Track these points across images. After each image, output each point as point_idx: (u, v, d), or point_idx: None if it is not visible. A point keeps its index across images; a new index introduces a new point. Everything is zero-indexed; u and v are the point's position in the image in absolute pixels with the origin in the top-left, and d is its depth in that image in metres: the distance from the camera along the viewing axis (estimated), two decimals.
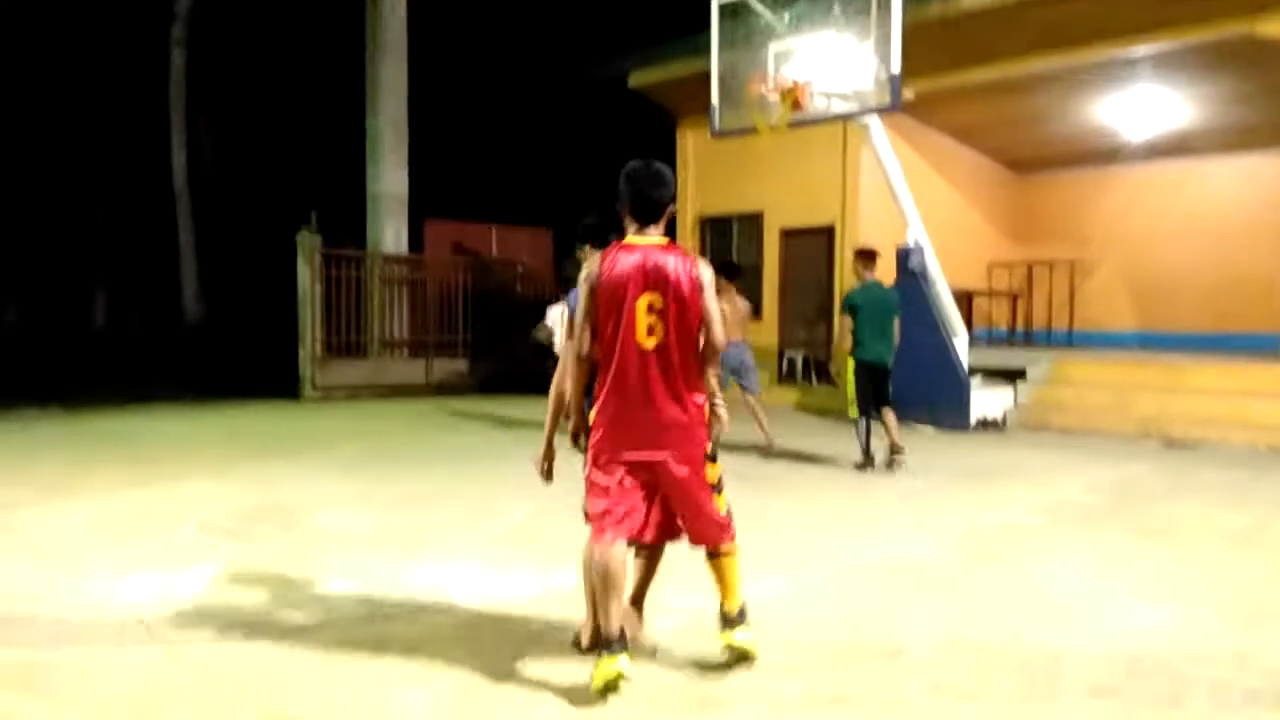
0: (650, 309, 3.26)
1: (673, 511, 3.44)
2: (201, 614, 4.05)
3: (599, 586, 3.26)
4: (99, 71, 19.96)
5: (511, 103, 22.02)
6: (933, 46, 11.16)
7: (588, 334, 3.32)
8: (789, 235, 14.53)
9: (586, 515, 3.44)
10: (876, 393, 8.12)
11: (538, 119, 22.07)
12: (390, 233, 15.95)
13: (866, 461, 8.06)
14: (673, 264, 3.29)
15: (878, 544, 5.38)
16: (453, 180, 20.14)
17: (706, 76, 10.41)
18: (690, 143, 15.73)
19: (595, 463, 3.38)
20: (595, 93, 18.93)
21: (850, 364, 8.16)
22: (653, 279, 3.26)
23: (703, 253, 15.70)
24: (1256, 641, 3.78)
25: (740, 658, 3.38)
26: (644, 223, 3.40)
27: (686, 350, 3.31)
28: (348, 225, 15.94)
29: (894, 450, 8.06)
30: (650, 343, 3.26)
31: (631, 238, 3.39)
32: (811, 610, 4.16)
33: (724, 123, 10.22)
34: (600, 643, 3.21)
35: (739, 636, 3.38)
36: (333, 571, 4.69)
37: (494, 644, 3.68)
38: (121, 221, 20.91)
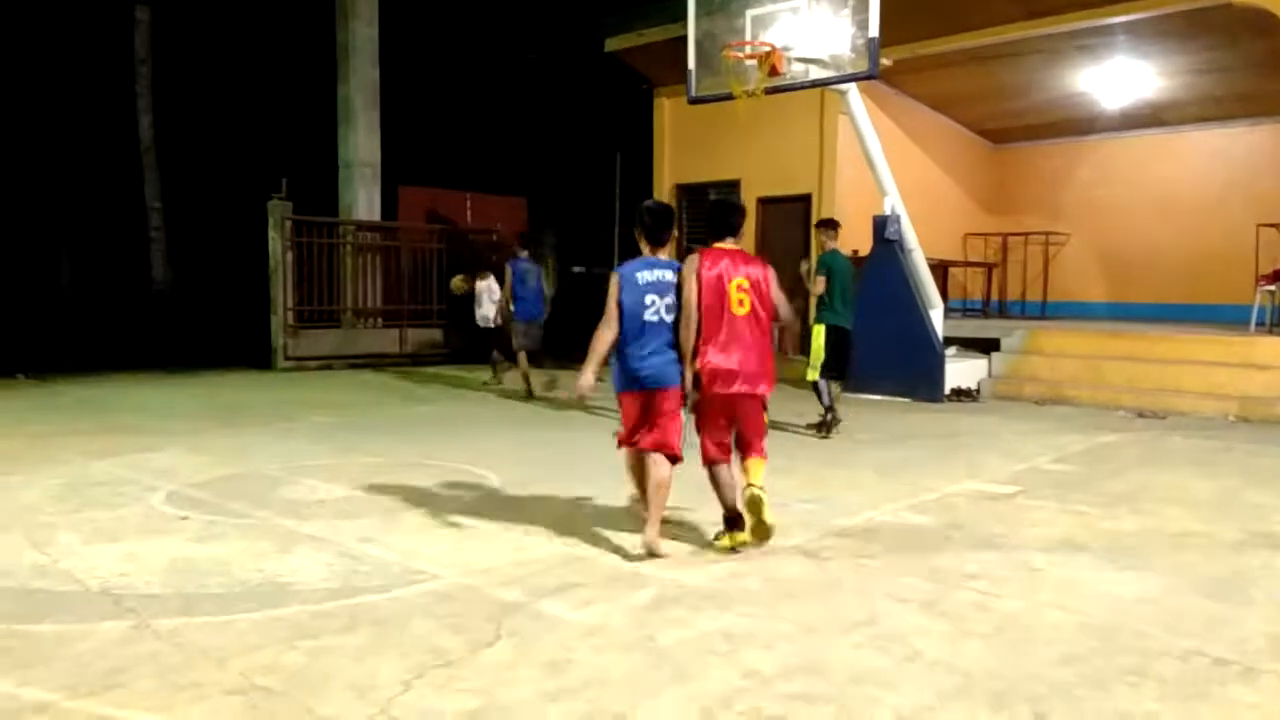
0: (739, 288, 4.70)
1: (739, 431, 4.82)
2: (171, 585, 4.00)
3: (715, 487, 4.72)
4: (61, 28, 19.45)
5: (486, 68, 21.71)
6: (911, 14, 11.09)
7: (694, 308, 4.61)
8: (766, 204, 14.49)
9: (666, 449, 4.66)
10: (840, 359, 8.31)
11: (513, 85, 21.78)
12: (363, 200, 15.77)
13: (830, 419, 8.19)
14: (749, 261, 4.85)
15: (850, 513, 5.40)
16: (426, 147, 19.87)
17: (683, 41, 10.29)
18: (667, 109, 15.61)
19: (705, 398, 4.69)
20: (571, 58, 18.72)
21: (820, 329, 8.27)
22: (740, 270, 4.75)
23: (680, 221, 15.64)
24: (1226, 611, 3.83)
25: (754, 500, 4.60)
26: (725, 236, 4.90)
27: (764, 320, 4.81)
28: (320, 192, 15.72)
29: (828, 421, 8.20)
30: (741, 310, 4.70)
31: (719, 245, 4.85)
32: (782, 580, 4.17)
33: (700, 88, 10.12)
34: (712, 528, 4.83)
35: (756, 491, 4.63)
36: (304, 542, 4.65)
37: (467, 615, 3.66)
38: (87, 184, 20.47)
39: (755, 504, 4.57)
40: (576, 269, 17.50)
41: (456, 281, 12.59)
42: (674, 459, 4.66)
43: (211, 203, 19.80)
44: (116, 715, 2.84)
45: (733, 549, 4.63)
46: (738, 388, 4.67)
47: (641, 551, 4.47)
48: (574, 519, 5.19)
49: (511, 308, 10.47)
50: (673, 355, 4.66)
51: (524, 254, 10.75)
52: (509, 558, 4.45)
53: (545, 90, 21.43)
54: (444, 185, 17.35)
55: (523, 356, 10.52)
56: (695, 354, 4.64)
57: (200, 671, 3.13)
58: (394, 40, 16.55)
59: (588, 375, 4.75)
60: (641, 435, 4.66)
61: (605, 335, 4.65)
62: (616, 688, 3.04)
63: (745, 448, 4.80)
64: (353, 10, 15.49)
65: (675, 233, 5.04)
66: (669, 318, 4.65)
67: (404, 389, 11.25)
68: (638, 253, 4.82)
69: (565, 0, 19.67)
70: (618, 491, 5.88)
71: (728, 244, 4.86)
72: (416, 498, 5.66)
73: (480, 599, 3.85)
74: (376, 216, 16.00)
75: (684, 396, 4.70)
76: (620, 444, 4.83)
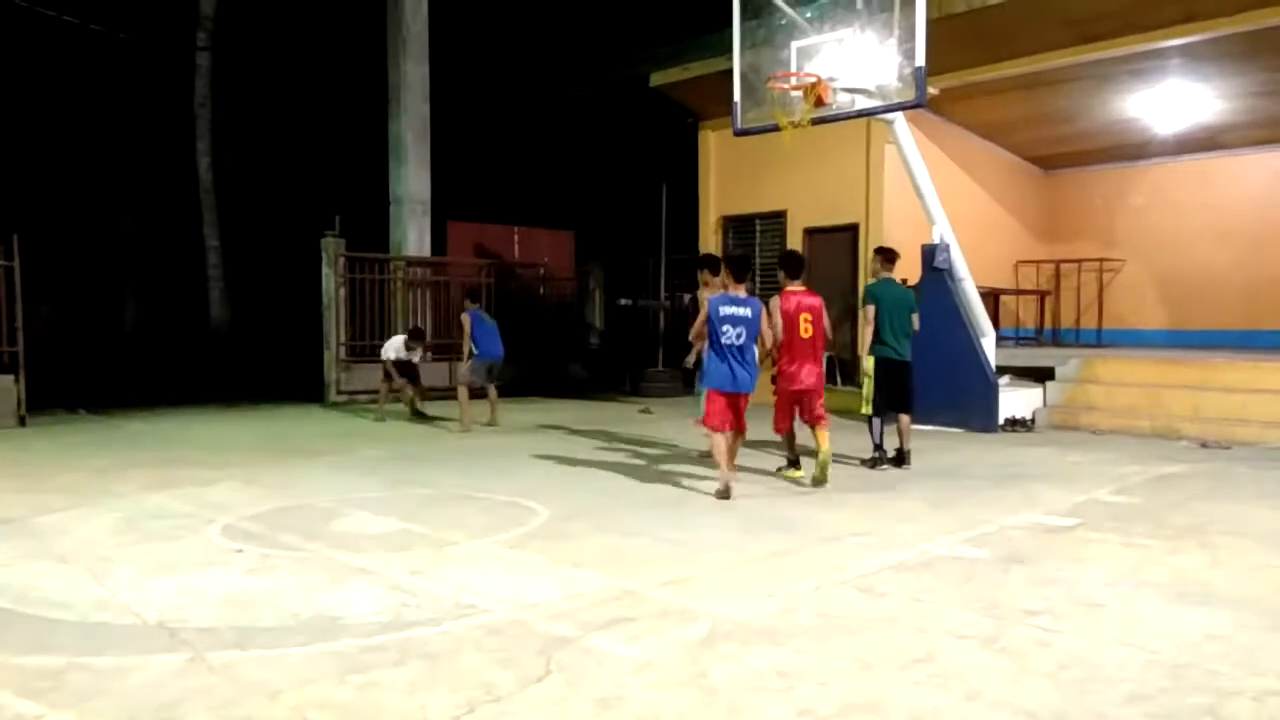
0: (805, 320, 7.22)
1: (801, 411, 7.41)
2: (225, 618, 4.04)
3: (786, 443, 7.59)
4: (125, 76, 20.14)
5: (533, 104, 22.02)
6: (958, 41, 11.06)
7: (770, 332, 7.07)
8: (812, 234, 14.44)
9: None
10: (897, 392, 8.09)
11: (559, 120, 22.06)
12: (413, 235, 15.99)
13: (879, 457, 8.06)
14: (812, 299, 7.36)
15: (906, 546, 5.29)
16: (475, 182, 20.16)
17: (728, 75, 10.33)
18: (712, 142, 15.67)
19: (780, 392, 7.39)
20: (616, 93, 18.91)
21: (870, 361, 8.09)
22: (805, 306, 7.28)
23: (725, 253, 15.64)
24: None
25: (824, 460, 7.14)
26: (795, 278, 7.46)
27: (819, 340, 7.34)
28: (371, 228, 16.00)
29: (901, 458, 8.06)
30: (806, 335, 7.23)
31: (790, 286, 7.39)
32: (837, 615, 4.09)
33: (746, 121, 10.14)
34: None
35: (824, 453, 7.16)
36: (355, 575, 4.68)
37: (517, 649, 3.64)
38: (149, 226, 21.09)
39: (823, 463, 7.14)
40: (623, 301, 17.55)
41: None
42: (741, 431, 7.11)
43: (267, 241, 20.27)
44: None
45: (791, 479, 7.42)
46: (800, 386, 7.26)
47: (721, 488, 6.66)
48: (622, 552, 5.16)
49: (475, 350, 10.94)
50: (748, 371, 6.85)
51: (475, 306, 11.49)
52: (558, 591, 4.42)
53: (592, 125, 21.66)
54: (492, 220, 17.55)
55: (464, 392, 10.95)
56: (774, 362, 7.35)
57: (253, 705, 3.14)
58: (443, 77, 16.86)
59: (691, 359, 8.16)
60: (729, 419, 6.87)
61: (697, 342, 7.21)
62: None
63: (812, 424, 7.33)
64: (404, 50, 15.81)
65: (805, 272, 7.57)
66: (741, 342, 6.77)
67: (453, 422, 11.30)
68: (687, 283, 7.23)
69: (611, 36, 19.92)
70: (666, 525, 5.85)
71: (797, 285, 7.39)
72: (466, 530, 5.67)
73: (530, 633, 3.83)
74: (427, 252, 16.21)
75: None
76: (706, 425, 6.90)
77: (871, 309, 8.05)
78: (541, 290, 17.28)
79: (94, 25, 18.32)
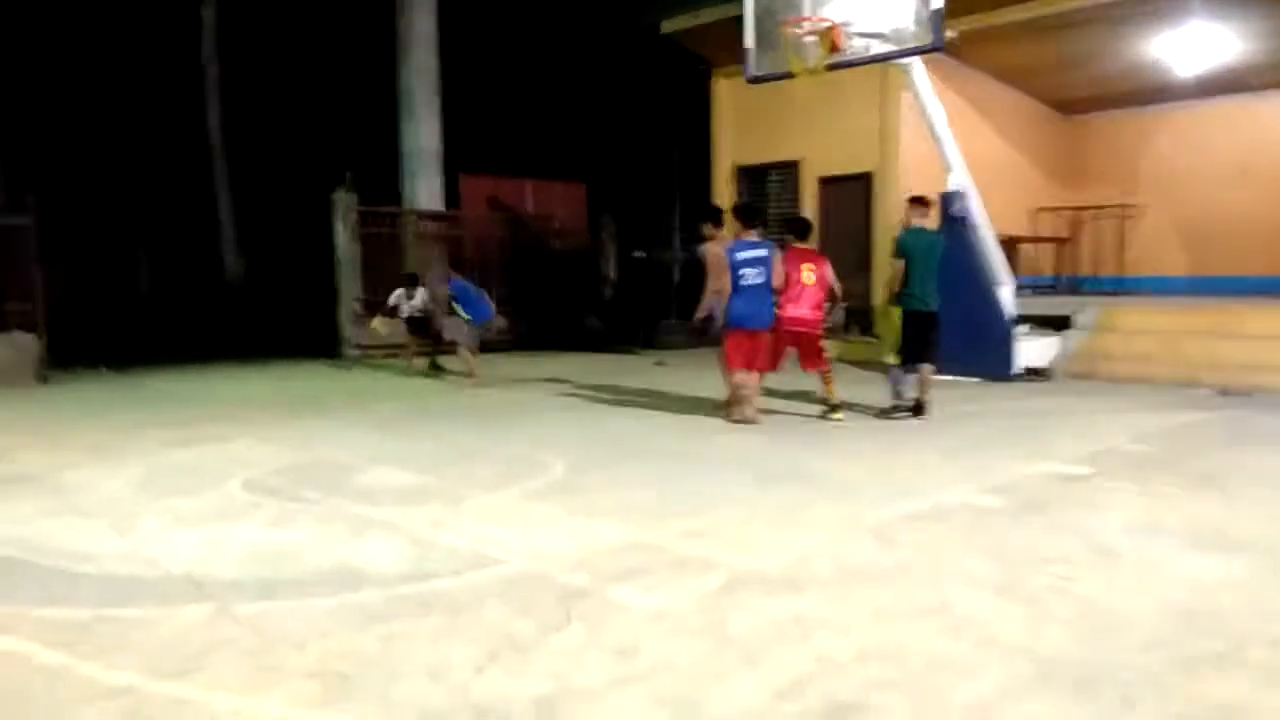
0: (807, 269, 7.76)
1: (800, 355, 8.00)
2: (248, 571, 4.10)
3: (749, 383, 7.71)
4: (131, 35, 19.99)
5: (543, 54, 21.75)
6: None
7: (782, 277, 7.57)
8: (827, 183, 14.31)
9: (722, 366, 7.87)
10: (922, 343, 7.97)
11: (570, 70, 21.80)
12: (425, 189, 15.93)
13: (897, 406, 8.00)
14: (817, 256, 7.99)
15: (921, 495, 5.30)
16: (486, 134, 20.01)
17: (740, 21, 10.16)
18: (724, 90, 15.48)
19: (777, 331, 7.69)
20: (627, 42, 18.65)
21: (897, 312, 7.97)
22: (808, 258, 7.88)
23: (738, 202, 15.50)
24: None
25: (832, 409, 7.89)
26: (802, 239, 8.09)
27: (821, 289, 7.85)
28: (383, 182, 15.93)
29: (919, 408, 7.99)
30: (809, 282, 7.75)
31: (796, 244, 8.00)
32: (853, 564, 4.11)
33: (759, 67, 9.99)
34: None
35: (835, 414, 7.85)
36: (376, 528, 4.72)
37: (536, 599, 3.68)
38: (161, 183, 21.07)
39: (825, 400, 7.94)
40: (637, 254, 17.49)
41: (378, 325, 12.47)
42: (762, 371, 7.74)
43: (279, 197, 20.23)
44: (198, 698, 2.91)
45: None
46: (796, 324, 7.74)
47: (738, 419, 7.54)
48: (638, 504, 5.19)
49: (467, 317, 11.02)
50: (767, 308, 7.53)
51: (455, 275, 11.77)
52: (576, 543, 4.46)
53: (603, 75, 21.40)
54: (504, 173, 17.45)
55: (466, 352, 11.13)
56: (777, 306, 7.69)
57: (279, 655, 3.19)
58: (452, 29, 16.66)
59: (703, 309, 7.87)
60: (748, 358, 7.50)
61: (722, 289, 7.51)
62: (687, 672, 3.02)
63: (809, 365, 7.95)
64: (414, 2, 15.61)
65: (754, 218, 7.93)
66: (761, 281, 7.42)
67: (459, 376, 11.33)
68: (702, 232, 8.14)
69: None
70: (682, 477, 5.87)
71: (802, 245, 8.01)
72: (483, 483, 5.71)
73: (549, 584, 3.87)
74: (439, 206, 16.15)
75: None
76: (731, 366, 7.59)
77: (902, 262, 7.88)
78: (555, 243, 17.22)
79: None
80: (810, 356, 7.93)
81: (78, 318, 15.61)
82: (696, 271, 8.52)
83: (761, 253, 7.47)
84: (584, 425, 7.98)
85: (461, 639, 3.30)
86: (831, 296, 7.94)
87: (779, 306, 7.64)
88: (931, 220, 8.26)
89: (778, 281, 7.55)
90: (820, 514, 4.96)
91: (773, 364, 7.86)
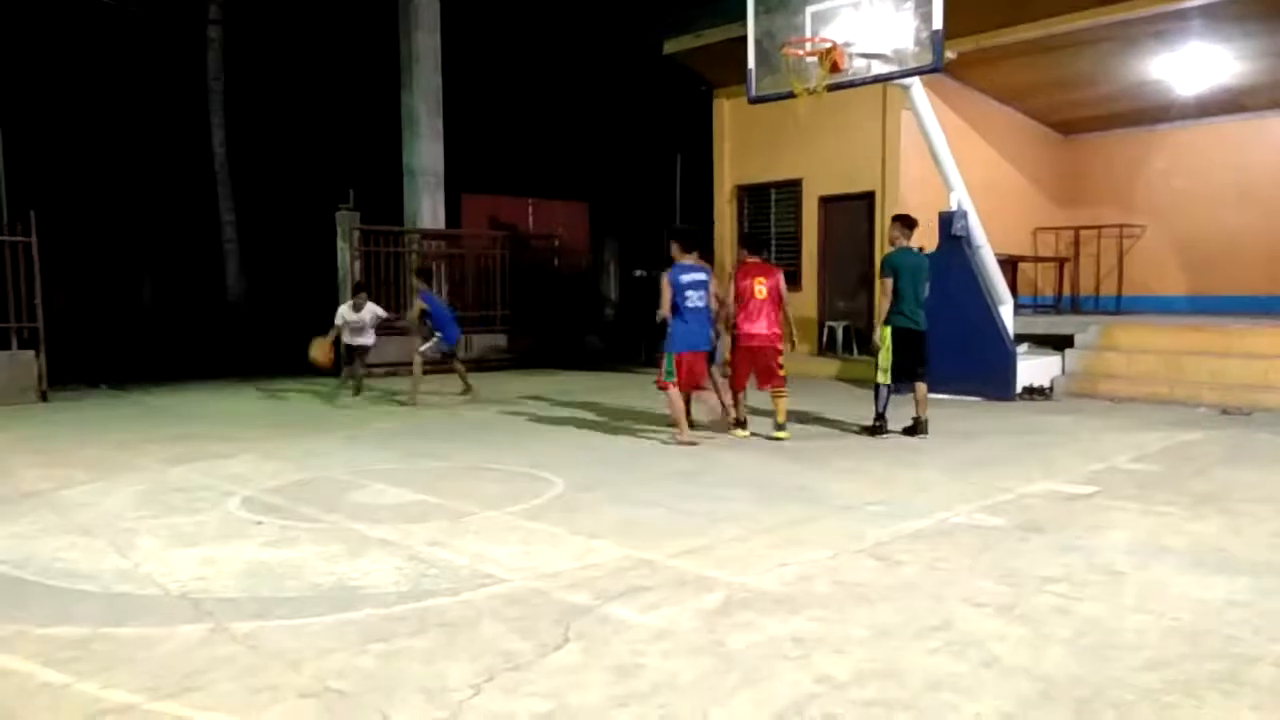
0: (760, 283, 7.85)
1: (757, 371, 7.95)
2: (247, 589, 4.08)
3: (731, 398, 8.12)
4: (138, 52, 20.11)
5: (545, 74, 21.87)
6: (975, 4, 10.88)
7: (733, 293, 7.89)
8: (828, 202, 14.34)
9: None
10: (914, 361, 8.05)
11: (572, 90, 21.90)
12: (427, 208, 15.98)
13: (881, 425, 8.07)
14: (770, 269, 8.09)
15: (922, 514, 5.29)
16: (488, 154, 20.08)
17: (742, 41, 10.22)
18: (726, 110, 15.54)
19: (735, 349, 7.94)
20: (630, 62, 18.75)
21: (888, 331, 8.02)
22: (762, 272, 7.95)
23: (740, 222, 15.55)
24: None
25: (779, 437, 7.84)
26: (755, 253, 8.20)
27: (775, 303, 7.90)
28: (385, 201, 15.99)
29: (918, 426, 8.04)
30: (761, 295, 7.82)
31: (749, 259, 8.11)
32: (853, 583, 4.09)
33: (760, 88, 10.03)
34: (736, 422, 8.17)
35: (780, 432, 7.92)
36: (374, 546, 4.71)
37: (535, 618, 3.66)
38: (165, 201, 21.14)
39: (780, 429, 7.93)
40: (638, 273, 17.51)
41: (320, 354, 10.76)
42: (701, 389, 7.98)
43: (282, 215, 20.29)
44: (195, 716, 2.89)
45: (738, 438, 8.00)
46: (754, 341, 7.84)
47: (682, 440, 7.65)
48: (638, 522, 5.18)
49: (437, 335, 10.59)
50: (707, 330, 7.79)
51: (426, 287, 11.15)
52: (575, 561, 4.44)
53: (605, 95, 21.50)
54: (506, 192, 17.51)
55: (419, 363, 10.81)
56: (733, 325, 7.88)
57: (275, 674, 3.17)
58: (455, 49, 16.76)
59: (662, 315, 7.78)
60: (691, 379, 7.71)
61: (666, 314, 7.65)
62: (686, 692, 3.01)
63: (765, 382, 7.96)
64: (416, 20, 15.72)
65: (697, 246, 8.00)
66: (702, 304, 7.66)
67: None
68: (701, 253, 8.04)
69: (623, 4, 19.71)
70: (681, 496, 5.87)
71: (755, 259, 8.11)
72: (482, 501, 5.70)
73: (548, 602, 3.85)
74: (441, 224, 16.20)
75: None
76: (664, 386, 7.70)
77: (890, 281, 7.98)
78: (556, 262, 17.26)
79: (105, 0, 18.29)
80: (766, 373, 7.96)
81: (79, 335, 15.63)
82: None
83: (702, 276, 7.71)
84: (584, 443, 7.97)
85: (459, 657, 3.29)
86: (784, 313, 8.04)
87: (735, 324, 7.89)
88: (917, 240, 8.29)
89: (722, 292, 8.00)
90: (821, 532, 4.95)
91: (740, 383, 7.99)
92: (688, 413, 7.88)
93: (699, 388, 7.91)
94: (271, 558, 4.56)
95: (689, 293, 7.61)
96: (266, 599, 3.95)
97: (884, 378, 8.09)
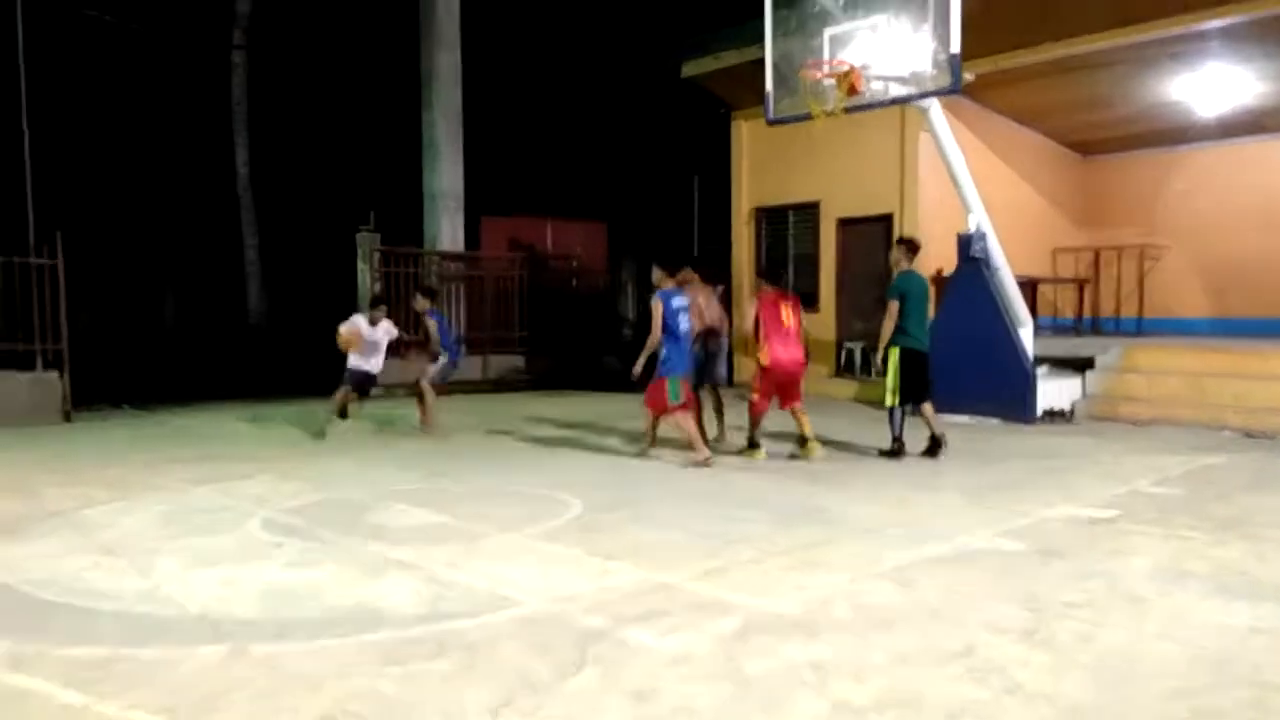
0: (787, 310, 7.99)
1: (784, 392, 8.14)
2: (266, 610, 4.10)
3: (754, 420, 8.20)
4: (163, 75, 20.43)
5: (565, 96, 22.03)
6: (993, 26, 10.90)
7: (752, 322, 8.05)
8: (846, 225, 14.33)
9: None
10: (921, 382, 8.11)
11: (591, 112, 22.06)
12: (447, 230, 16.09)
13: (899, 448, 8.08)
14: (791, 296, 8.25)
15: (942, 538, 5.25)
16: (507, 176, 20.22)
17: (760, 64, 10.28)
18: (745, 132, 15.59)
19: (770, 371, 7.98)
20: (648, 84, 18.87)
21: (896, 353, 8.06)
22: (786, 300, 8.09)
23: (758, 244, 15.57)
24: None
25: (808, 449, 8.07)
26: (775, 283, 8.29)
27: (799, 327, 8.06)
28: (405, 223, 16.11)
29: (938, 441, 8.09)
30: (789, 322, 7.98)
31: (768, 289, 8.19)
32: (872, 607, 4.06)
33: (779, 110, 10.08)
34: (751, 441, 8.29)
35: (812, 444, 8.08)
36: (393, 568, 4.72)
37: (553, 641, 3.66)
38: (188, 223, 21.39)
39: (813, 441, 8.08)
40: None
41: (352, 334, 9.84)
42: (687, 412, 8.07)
43: (304, 237, 20.48)
44: None
45: (753, 459, 8.06)
46: (791, 369, 7.99)
47: (703, 460, 7.69)
48: (656, 545, 5.17)
49: (444, 357, 9.90)
50: (691, 354, 8.08)
51: (434, 305, 10.21)
52: (593, 584, 4.44)
53: (624, 116, 21.64)
54: (525, 213, 17.61)
55: (431, 391, 10.02)
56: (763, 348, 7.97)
57: (294, 697, 3.18)
58: (475, 70, 16.92)
59: (640, 365, 7.98)
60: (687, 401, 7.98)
61: (650, 342, 7.87)
62: (703, 717, 2.99)
63: (790, 401, 8.15)
64: (437, 44, 15.89)
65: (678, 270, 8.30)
66: (687, 328, 7.95)
67: (488, 415, 11.38)
68: (713, 273, 8.39)
69: (643, 26, 19.87)
70: (699, 518, 5.85)
71: (773, 289, 8.20)
72: (501, 523, 5.71)
73: (566, 626, 3.85)
74: (460, 246, 16.31)
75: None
76: (673, 410, 7.89)
77: (897, 304, 8.05)
78: (574, 282, 17.32)
79: (132, 24, 18.59)
80: (794, 393, 8.18)
81: (103, 356, 15.79)
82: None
83: (685, 301, 8.03)
84: (602, 465, 7.97)
85: (477, 680, 3.29)
86: (805, 336, 8.28)
87: (768, 350, 7.94)
88: (920, 262, 8.41)
89: (699, 320, 8.36)
90: (839, 556, 4.93)
91: (765, 406, 8.16)
92: (704, 431, 8.10)
93: (661, 411, 8.09)
94: (291, 579, 4.57)
95: (681, 316, 7.88)
96: (286, 620, 3.97)
97: (893, 399, 8.13)
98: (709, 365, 8.88)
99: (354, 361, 9.82)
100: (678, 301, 7.91)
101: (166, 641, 3.74)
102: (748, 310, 8.26)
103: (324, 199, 20.40)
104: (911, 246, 8.35)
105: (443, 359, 10.04)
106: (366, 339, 9.83)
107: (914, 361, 8.08)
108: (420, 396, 10.15)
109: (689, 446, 7.91)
